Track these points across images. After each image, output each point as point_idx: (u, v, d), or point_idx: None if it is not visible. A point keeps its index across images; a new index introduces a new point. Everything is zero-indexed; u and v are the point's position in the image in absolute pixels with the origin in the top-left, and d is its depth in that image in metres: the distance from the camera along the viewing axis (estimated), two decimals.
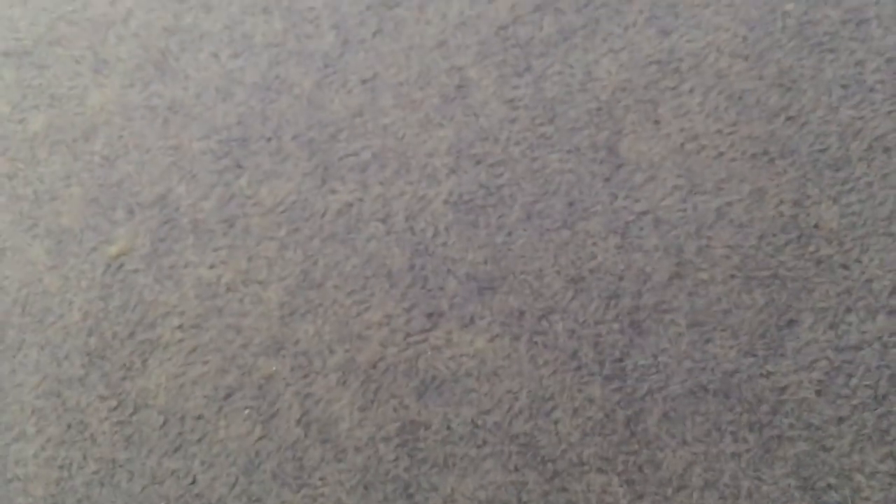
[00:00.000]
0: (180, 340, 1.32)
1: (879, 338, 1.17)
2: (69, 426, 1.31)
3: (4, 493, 1.29)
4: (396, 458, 1.22)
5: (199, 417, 1.28)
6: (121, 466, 1.28)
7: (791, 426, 1.15)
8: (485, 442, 1.21)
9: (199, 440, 1.27)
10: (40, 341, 1.36)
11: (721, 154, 1.30)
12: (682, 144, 1.32)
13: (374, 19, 1.44)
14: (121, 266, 1.38)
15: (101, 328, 1.35)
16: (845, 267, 1.21)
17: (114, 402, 1.31)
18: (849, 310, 1.19)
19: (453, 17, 1.42)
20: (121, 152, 1.45)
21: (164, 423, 1.29)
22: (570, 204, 1.31)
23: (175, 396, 1.30)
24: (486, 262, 1.30)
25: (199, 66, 1.47)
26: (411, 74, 1.41)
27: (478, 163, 1.35)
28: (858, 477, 1.12)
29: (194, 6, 1.51)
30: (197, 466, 1.26)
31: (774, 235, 1.24)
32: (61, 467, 1.29)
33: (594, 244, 1.28)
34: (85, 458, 1.29)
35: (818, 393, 1.16)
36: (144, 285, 1.36)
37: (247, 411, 1.27)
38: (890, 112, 1.27)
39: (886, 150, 1.26)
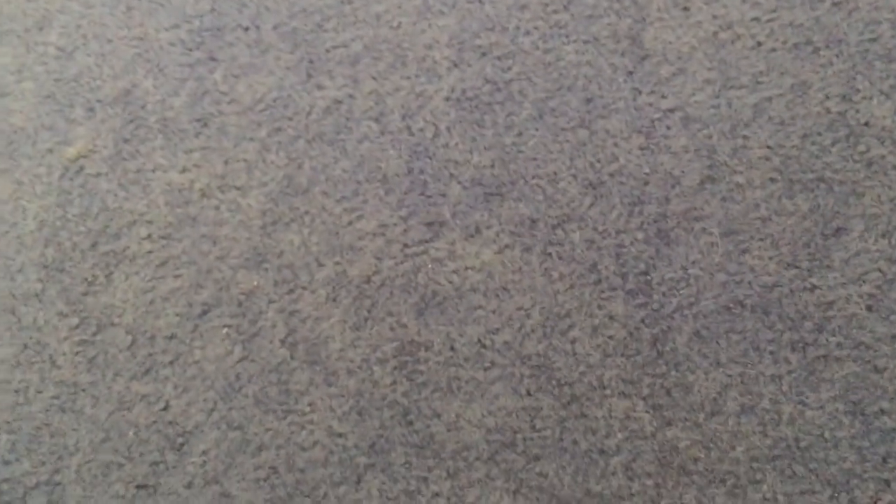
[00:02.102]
0: (149, 252, 1.19)
1: None
2: (25, 346, 1.19)
3: None
4: (394, 382, 1.10)
5: (172, 337, 1.16)
6: (83, 390, 1.16)
7: (839, 345, 1.04)
8: (493, 364, 1.09)
9: (172, 362, 1.15)
10: None
11: (759, 44, 1.18)
12: (715, 33, 1.19)
13: None
14: (80, 169, 1.25)
15: (59, 238, 1.22)
16: None
17: (75, 320, 1.18)
18: None
19: None
20: (79, 43, 1.31)
21: (132, 343, 1.16)
22: (588, 100, 1.19)
23: (144, 314, 1.17)
24: (493, 166, 1.17)
25: None
26: None
27: (483, 55, 1.23)
28: None
29: None
30: (170, 391, 1.14)
31: (819, 134, 1.12)
32: (17, 391, 1.17)
33: (615, 145, 1.16)
34: (43, 381, 1.17)
35: (869, 308, 1.06)
36: (107, 191, 1.23)
37: (225, 330, 1.15)
38: None
39: None
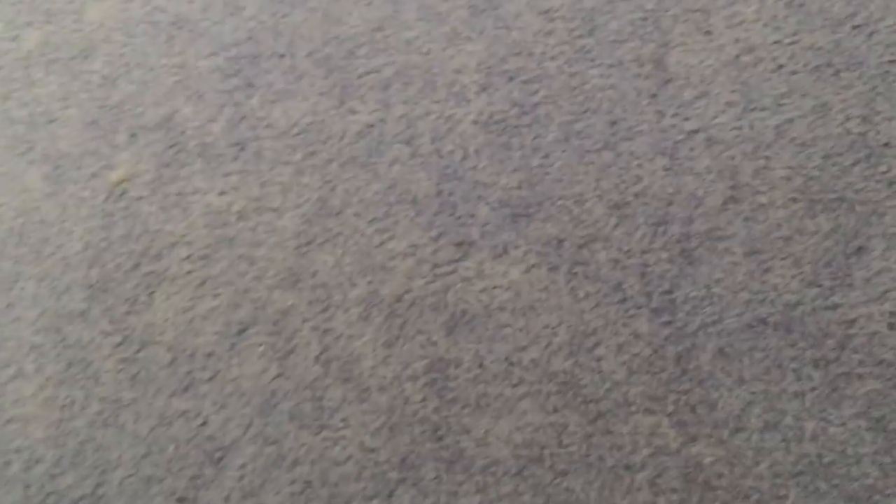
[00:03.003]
0: (189, 272, 1.23)
1: None
2: (70, 364, 1.23)
3: (2, 434, 1.21)
4: (424, 399, 1.13)
5: (210, 354, 1.20)
6: (126, 406, 1.19)
7: (860, 362, 1.05)
8: (521, 381, 1.12)
9: (211, 379, 1.19)
10: (38, 273, 1.27)
11: (780, 67, 1.20)
12: (737, 56, 1.21)
13: None
14: (123, 193, 1.29)
15: (103, 259, 1.26)
16: None
17: (118, 338, 1.22)
18: None
19: None
20: (122, 71, 1.36)
21: (173, 360, 1.20)
22: (613, 123, 1.21)
23: (184, 332, 1.21)
24: (520, 187, 1.20)
25: None
26: None
27: (510, 79, 1.26)
28: None
29: None
30: (208, 407, 1.18)
31: (840, 155, 1.14)
32: (62, 407, 1.21)
33: (639, 166, 1.18)
34: (87, 397, 1.21)
35: (890, 326, 1.07)
36: (149, 213, 1.27)
37: (261, 348, 1.19)
38: None
39: None
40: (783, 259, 1.11)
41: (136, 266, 1.25)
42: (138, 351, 1.21)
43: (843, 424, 1.04)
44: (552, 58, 1.26)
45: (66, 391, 1.22)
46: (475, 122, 1.24)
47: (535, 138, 1.22)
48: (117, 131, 1.32)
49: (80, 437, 1.20)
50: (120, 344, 1.22)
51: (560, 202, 1.19)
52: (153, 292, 1.23)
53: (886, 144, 1.13)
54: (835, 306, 1.08)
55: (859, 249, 1.10)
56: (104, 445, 1.18)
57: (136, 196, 1.29)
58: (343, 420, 1.14)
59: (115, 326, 1.23)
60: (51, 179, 1.31)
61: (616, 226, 1.16)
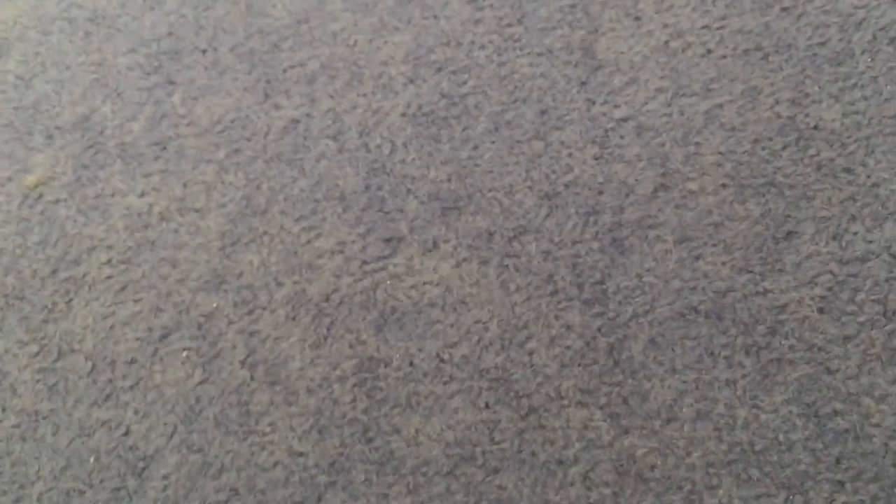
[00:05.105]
0: (108, 277, 1.19)
1: (888, 247, 1.06)
2: None
3: None
4: (354, 399, 1.10)
5: (132, 362, 1.16)
6: (45, 418, 1.15)
7: (791, 348, 1.04)
8: (452, 378, 1.09)
9: (132, 387, 1.15)
10: None
11: (709, 51, 1.19)
12: (666, 42, 1.20)
13: None
14: (40, 196, 1.25)
15: (18, 266, 1.22)
16: (849, 171, 1.10)
17: (35, 348, 1.18)
18: (853, 218, 1.08)
19: None
20: (37, 70, 1.31)
21: (92, 369, 1.16)
22: (543, 112, 1.19)
23: (104, 339, 1.17)
24: (449, 180, 1.17)
25: None
26: None
27: (438, 70, 1.23)
28: (867, 401, 1.01)
29: None
30: (130, 416, 1.14)
31: (770, 139, 1.13)
32: None
33: (570, 155, 1.16)
34: (4, 409, 1.17)
35: (821, 310, 1.05)
36: (67, 217, 1.23)
37: (185, 353, 1.15)
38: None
39: (892, 41, 1.15)
40: (714, 246, 1.10)
41: (54, 272, 1.21)
42: (56, 360, 1.17)
43: (775, 411, 1.02)
44: (481, 47, 1.24)
45: None
46: (403, 115, 1.22)
47: (464, 130, 1.20)
48: (33, 133, 1.28)
49: None
50: (37, 353, 1.18)
51: (490, 194, 1.16)
52: (71, 299, 1.19)
53: (815, 127, 1.13)
54: (765, 292, 1.07)
55: (789, 234, 1.09)
56: (22, 459, 1.14)
57: (53, 199, 1.24)
58: (270, 424, 1.11)
59: (32, 335, 1.18)
60: None
61: (547, 217, 1.14)
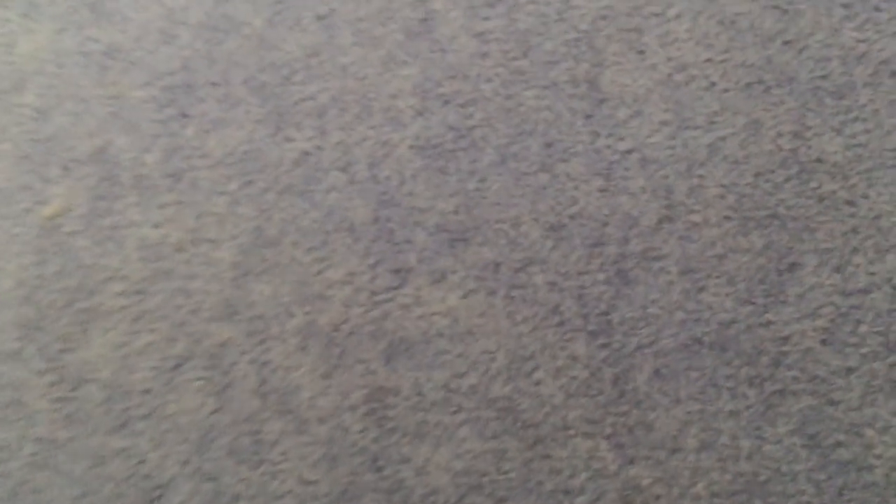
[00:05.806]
0: (124, 307, 1.22)
1: (890, 279, 1.08)
2: (4, 405, 1.21)
3: None
4: (364, 429, 1.12)
5: (147, 391, 1.18)
6: (61, 447, 1.18)
7: (794, 379, 1.06)
8: (460, 408, 1.11)
9: (147, 415, 1.17)
10: None
11: (712, 84, 1.20)
12: (670, 75, 1.22)
13: None
14: (56, 228, 1.27)
15: (36, 297, 1.24)
16: (851, 203, 1.11)
17: (52, 377, 1.21)
18: (855, 250, 1.09)
19: None
20: (54, 103, 1.34)
21: (108, 398, 1.19)
22: (548, 145, 1.21)
23: (119, 369, 1.19)
24: (457, 212, 1.19)
25: (139, 7, 1.35)
26: (371, 9, 1.30)
27: (446, 103, 1.25)
28: (869, 432, 1.02)
29: None
30: (145, 444, 1.16)
31: (772, 171, 1.15)
32: None
33: (575, 188, 1.18)
34: (22, 438, 1.19)
35: (823, 342, 1.07)
36: (83, 248, 1.25)
37: (198, 382, 1.17)
38: None
39: (893, 74, 1.17)
40: (717, 277, 1.11)
41: (70, 302, 1.23)
42: (73, 389, 1.19)
43: (779, 442, 1.04)
44: (487, 80, 1.26)
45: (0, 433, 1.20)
46: (411, 147, 1.24)
47: (471, 162, 1.22)
48: (50, 164, 1.30)
49: (15, 480, 1.17)
50: (54, 383, 1.20)
51: (497, 226, 1.18)
52: (87, 329, 1.22)
53: (817, 160, 1.14)
54: (768, 323, 1.08)
55: (792, 266, 1.10)
56: (39, 487, 1.16)
57: (70, 231, 1.27)
58: (282, 453, 1.13)
59: (50, 365, 1.21)
60: None
61: (553, 248, 1.16)
